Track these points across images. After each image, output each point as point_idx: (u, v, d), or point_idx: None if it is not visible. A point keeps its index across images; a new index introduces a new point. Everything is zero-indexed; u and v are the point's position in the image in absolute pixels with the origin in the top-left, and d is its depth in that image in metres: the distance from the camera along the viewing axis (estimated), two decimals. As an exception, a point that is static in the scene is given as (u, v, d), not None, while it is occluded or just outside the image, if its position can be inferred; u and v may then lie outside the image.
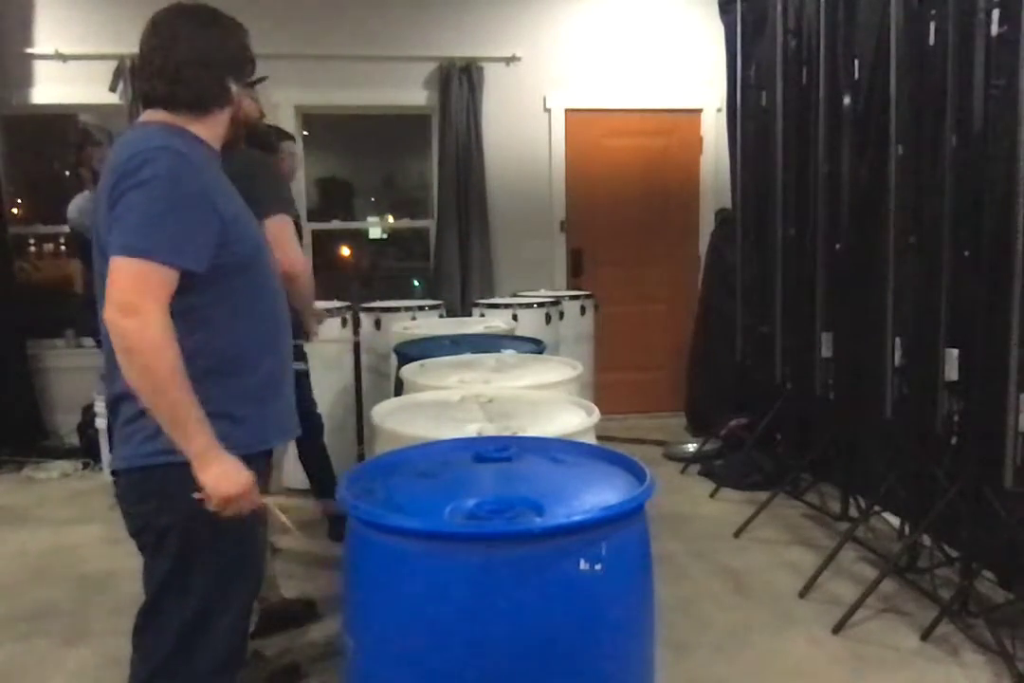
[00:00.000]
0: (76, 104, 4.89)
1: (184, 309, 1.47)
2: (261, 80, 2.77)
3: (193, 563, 1.54)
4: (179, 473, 1.48)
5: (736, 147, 4.54)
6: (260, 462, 1.62)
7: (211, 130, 1.60)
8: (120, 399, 1.53)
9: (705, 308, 5.06)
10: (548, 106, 5.23)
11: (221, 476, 1.45)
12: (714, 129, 5.31)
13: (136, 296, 1.39)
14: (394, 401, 2.26)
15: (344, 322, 4.09)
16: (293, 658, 2.52)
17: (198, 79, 1.55)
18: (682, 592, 2.94)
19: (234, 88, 1.60)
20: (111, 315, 1.39)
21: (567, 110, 5.25)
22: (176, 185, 1.44)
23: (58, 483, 4.38)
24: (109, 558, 3.30)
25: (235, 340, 1.56)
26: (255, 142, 2.62)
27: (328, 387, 3.90)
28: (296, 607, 2.77)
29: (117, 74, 4.68)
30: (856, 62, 3.24)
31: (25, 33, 4.74)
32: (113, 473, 1.61)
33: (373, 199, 5.84)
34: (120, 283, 1.40)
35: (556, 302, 4.43)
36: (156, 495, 1.53)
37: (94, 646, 2.67)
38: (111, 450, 1.61)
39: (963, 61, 2.57)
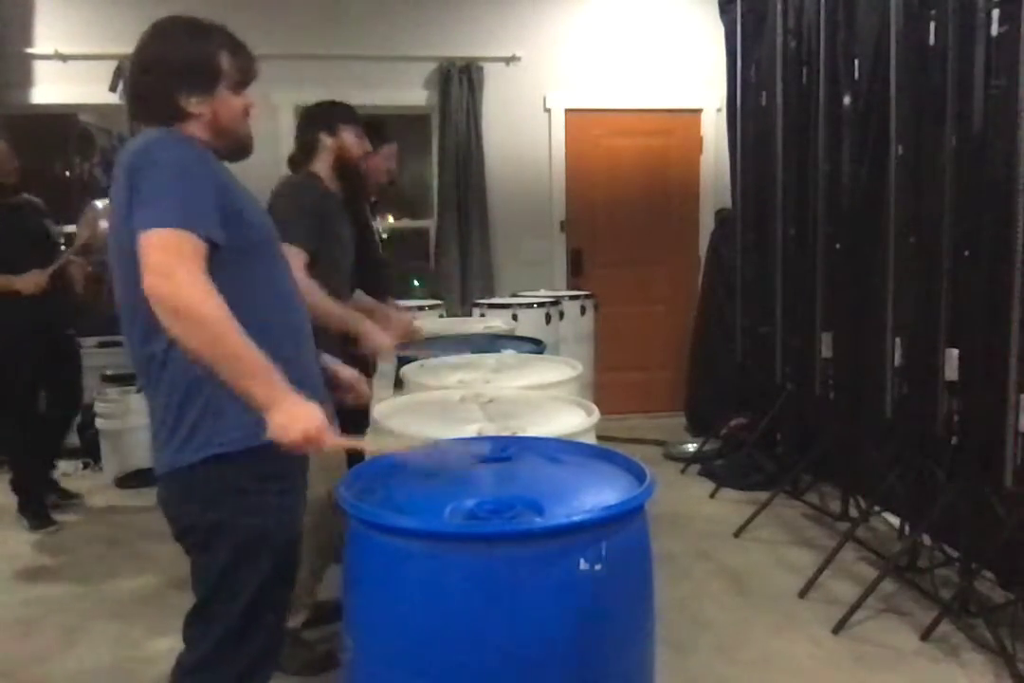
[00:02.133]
0: (76, 104, 4.89)
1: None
2: (380, 128, 2.82)
3: (241, 560, 1.55)
4: (217, 469, 1.50)
5: (736, 147, 4.54)
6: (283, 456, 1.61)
7: (199, 133, 1.58)
8: (158, 407, 1.54)
9: (705, 308, 5.06)
10: (548, 106, 5.23)
11: (286, 421, 1.40)
12: (714, 129, 5.31)
13: (170, 260, 1.37)
14: (394, 401, 2.26)
15: None
16: (331, 646, 2.50)
17: (148, 92, 1.56)
18: (682, 592, 2.94)
19: (194, 101, 1.56)
20: (149, 284, 1.37)
21: (567, 110, 5.25)
22: (185, 163, 1.46)
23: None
24: (109, 558, 3.30)
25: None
26: (351, 183, 2.65)
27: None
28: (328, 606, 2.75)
29: (117, 74, 4.67)
30: (856, 62, 3.24)
31: (25, 33, 4.74)
32: (156, 479, 1.60)
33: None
34: (153, 253, 1.38)
35: (556, 302, 4.43)
36: (199, 495, 1.54)
37: (94, 646, 2.66)
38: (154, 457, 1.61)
39: (963, 61, 2.57)
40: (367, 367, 2.77)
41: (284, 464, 1.59)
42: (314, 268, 2.36)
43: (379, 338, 2.43)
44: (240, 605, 1.56)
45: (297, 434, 1.40)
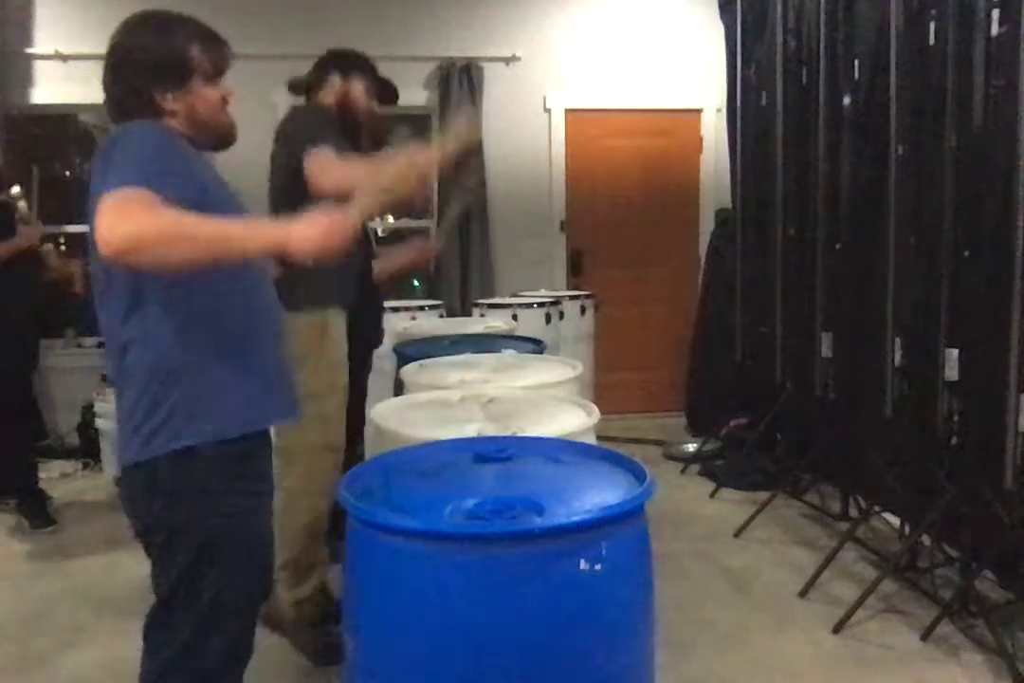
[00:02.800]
0: (76, 104, 4.89)
1: (166, 298, 1.48)
2: (391, 96, 2.77)
3: (203, 560, 1.54)
4: (184, 465, 1.49)
5: (736, 147, 4.54)
6: (261, 441, 1.63)
7: (179, 128, 1.58)
8: (129, 397, 1.52)
9: (705, 308, 5.06)
10: (548, 106, 5.23)
11: (303, 237, 1.39)
12: (714, 129, 5.31)
13: (118, 213, 1.33)
14: (394, 401, 2.26)
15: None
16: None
17: (118, 90, 1.56)
18: (682, 592, 2.94)
19: (169, 96, 1.55)
20: (104, 241, 1.31)
21: (567, 110, 5.25)
22: (158, 145, 1.47)
23: (58, 483, 4.37)
24: (109, 558, 3.31)
25: (226, 320, 1.55)
26: (345, 124, 2.55)
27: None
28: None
29: (117, 74, 4.67)
30: (856, 62, 3.24)
31: (25, 33, 4.74)
32: (118, 477, 1.59)
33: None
34: (103, 210, 1.34)
35: (556, 302, 4.43)
36: (163, 492, 1.51)
37: (94, 646, 2.67)
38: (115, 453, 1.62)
39: (963, 61, 2.57)
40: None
41: (253, 465, 1.59)
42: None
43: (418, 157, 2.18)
44: (203, 609, 1.53)
45: (324, 243, 1.40)
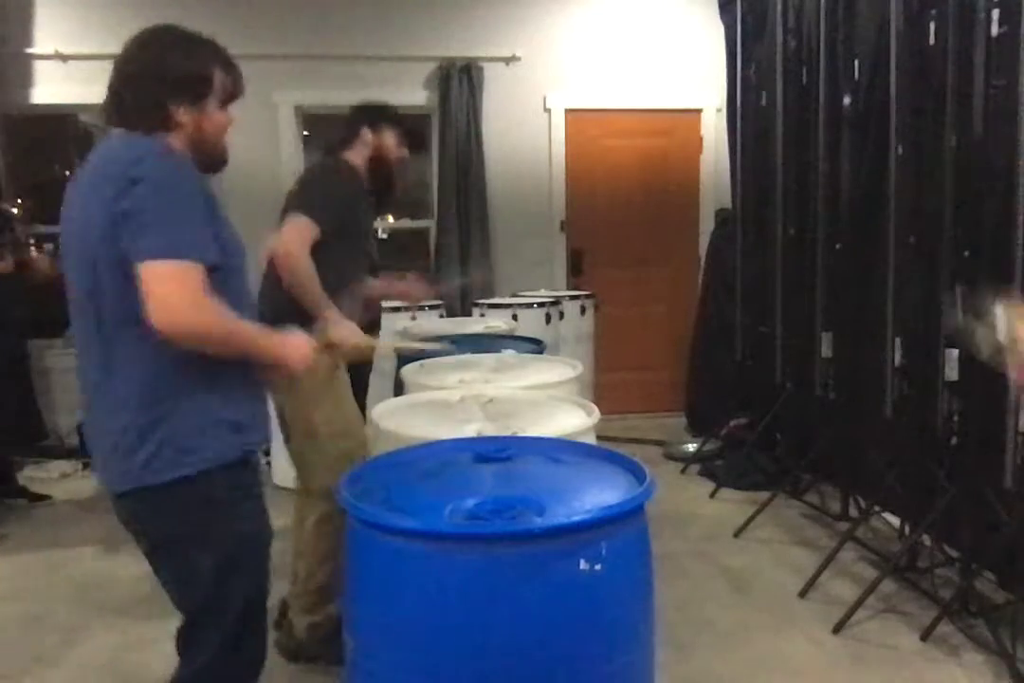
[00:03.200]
0: (76, 104, 4.88)
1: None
2: (418, 142, 2.85)
3: (228, 568, 1.56)
4: (193, 485, 1.50)
5: (736, 147, 4.54)
6: (253, 464, 1.65)
7: (177, 145, 1.58)
8: (117, 410, 1.51)
9: (705, 308, 5.06)
10: (548, 106, 5.23)
11: (293, 355, 1.62)
12: (714, 129, 5.31)
13: (184, 300, 1.41)
14: (394, 401, 2.26)
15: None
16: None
17: (133, 99, 1.55)
18: (682, 592, 2.94)
19: (182, 110, 1.56)
20: (157, 319, 1.39)
21: (567, 110, 5.25)
22: (185, 185, 1.47)
23: (58, 483, 4.37)
24: (109, 558, 3.31)
25: None
26: (378, 183, 2.67)
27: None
28: None
29: (117, 74, 4.67)
30: (856, 62, 3.24)
31: (25, 33, 4.74)
32: (118, 495, 1.57)
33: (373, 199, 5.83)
34: (164, 287, 1.40)
35: (556, 302, 4.43)
36: (172, 510, 1.53)
37: (94, 646, 2.66)
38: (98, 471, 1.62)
39: (963, 61, 2.57)
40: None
41: (248, 473, 1.62)
42: (334, 253, 2.39)
43: (343, 327, 2.34)
44: (236, 611, 1.57)
45: (302, 360, 1.64)
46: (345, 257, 2.49)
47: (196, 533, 1.54)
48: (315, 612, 2.48)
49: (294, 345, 1.64)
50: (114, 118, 1.58)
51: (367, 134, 2.63)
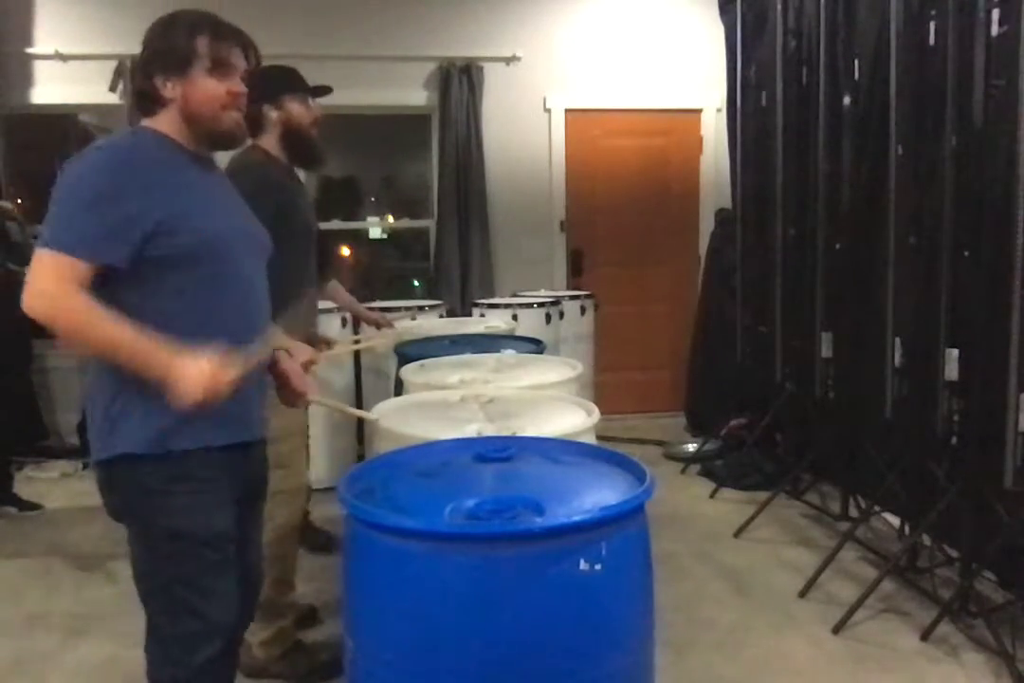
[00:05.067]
0: (76, 104, 4.89)
1: (133, 303, 1.52)
2: (325, 90, 2.70)
3: (150, 557, 1.61)
4: (130, 468, 1.57)
5: (736, 147, 4.53)
6: (234, 456, 1.65)
7: (172, 128, 1.61)
8: (89, 398, 1.62)
9: (705, 308, 5.06)
10: (548, 106, 5.23)
11: (183, 386, 1.45)
12: (714, 129, 5.31)
13: (48, 285, 1.45)
14: (394, 401, 2.26)
15: (344, 322, 4.10)
16: (334, 653, 2.50)
17: (136, 81, 1.61)
18: (682, 592, 2.94)
19: (168, 85, 1.58)
20: (24, 303, 1.46)
21: (567, 110, 5.25)
22: (94, 183, 1.49)
23: (58, 483, 4.38)
24: (109, 558, 3.30)
25: (189, 333, 1.53)
26: (301, 153, 2.52)
27: (328, 387, 3.90)
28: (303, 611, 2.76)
29: (117, 74, 4.67)
30: (856, 62, 3.24)
31: (25, 33, 4.74)
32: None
33: (373, 199, 5.84)
34: (37, 274, 1.46)
35: (556, 302, 4.43)
36: (115, 488, 1.62)
37: (93, 646, 2.67)
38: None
39: (963, 61, 2.57)
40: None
41: (193, 466, 1.59)
42: (283, 261, 2.02)
43: (297, 355, 1.96)
44: (164, 597, 1.61)
45: (198, 392, 1.45)
46: (297, 264, 2.36)
47: (128, 514, 1.61)
48: (265, 629, 2.40)
49: (191, 372, 1.44)
50: (134, 110, 1.67)
51: (270, 112, 2.44)
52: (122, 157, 1.53)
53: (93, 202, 1.47)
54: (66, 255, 1.45)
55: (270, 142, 2.47)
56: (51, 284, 1.45)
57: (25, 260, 3.79)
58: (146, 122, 1.62)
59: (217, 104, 1.61)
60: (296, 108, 2.48)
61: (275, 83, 2.48)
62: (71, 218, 1.48)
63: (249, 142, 2.50)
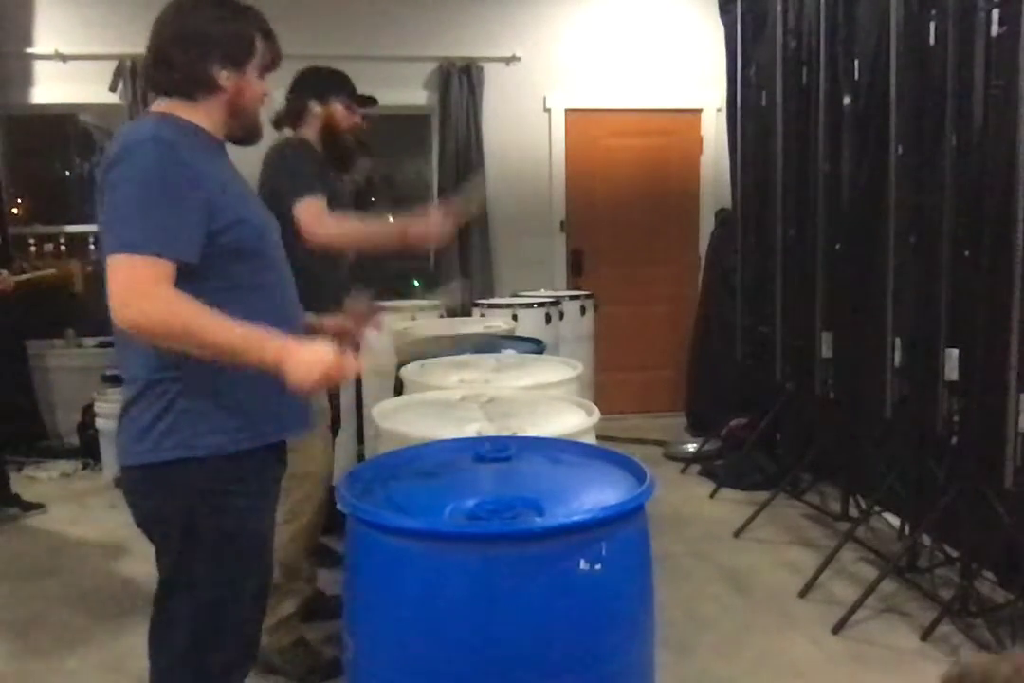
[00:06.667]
0: (76, 104, 4.89)
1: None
2: (371, 101, 2.79)
3: (195, 556, 1.55)
4: (189, 470, 1.50)
5: (736, 147, 4.54)
6: (272, 454, 1.63)
7: (207, 117, 1.56)
8: (133, 399, 1.53)
9: (705, 308, 5.06)
10: (548, 106, 5.23)
11: (302, 371, 1.41)
12: (714, 129, 5.31)
13: (131, 291, 1.39)
14: (394, 401, 2.26)
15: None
16: (338, 651, 2.50)
17: (179, 61, 1.52)
18: (682, 592, 2.94)
19: (224, 74, 1.54)
20: (113, 313, 1.40)
21: (567, 110, 5.25)
22: (163, 177, 1.43)
23: (58, 483, 4.38)
24: (109, 558, 3.31)
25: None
26: (334, 154, 2.62)
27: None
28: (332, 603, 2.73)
29: (117, 74, 4.68)
30: (856, 62, 3.24)
31: (25, 33, 4.73)
32: (118, 477, 1.60)
33: (373, 199, 5.83)
34: (114, 281, 1.40)
35: (556, 302, 4.42)
36: (166, 490, 1.53)
37: (94, 647, 2.67)
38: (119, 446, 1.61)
39: (963, 61, 2.57)
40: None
41: (251, 469, 1.58)
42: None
43: (430, 225, 2.29)
44: (198, 602, 1.55)
45: (318, 378, 1.42)
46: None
47: (177, 517, 1.54)
48: (271, 615, 2.34)
49: (305, 358, 1.42)
50: (157, 82, 1.56)
51: (315, 107, 2.56)
52: (173, 150, 1.46)
53: (163, 200, 1.42)
54: (153, 257, 1.40)
55: (310, 134, 2.58)
56: (152, 288, 1.39)
57: None
58: (164, 107, 1.55)
59: (259, 103, 1.62)
60: (339, 110, 2.61)
61: (325, 82, 2.62)
62: (146, 218, 1.42)
63: (288, 132, 2.63)
